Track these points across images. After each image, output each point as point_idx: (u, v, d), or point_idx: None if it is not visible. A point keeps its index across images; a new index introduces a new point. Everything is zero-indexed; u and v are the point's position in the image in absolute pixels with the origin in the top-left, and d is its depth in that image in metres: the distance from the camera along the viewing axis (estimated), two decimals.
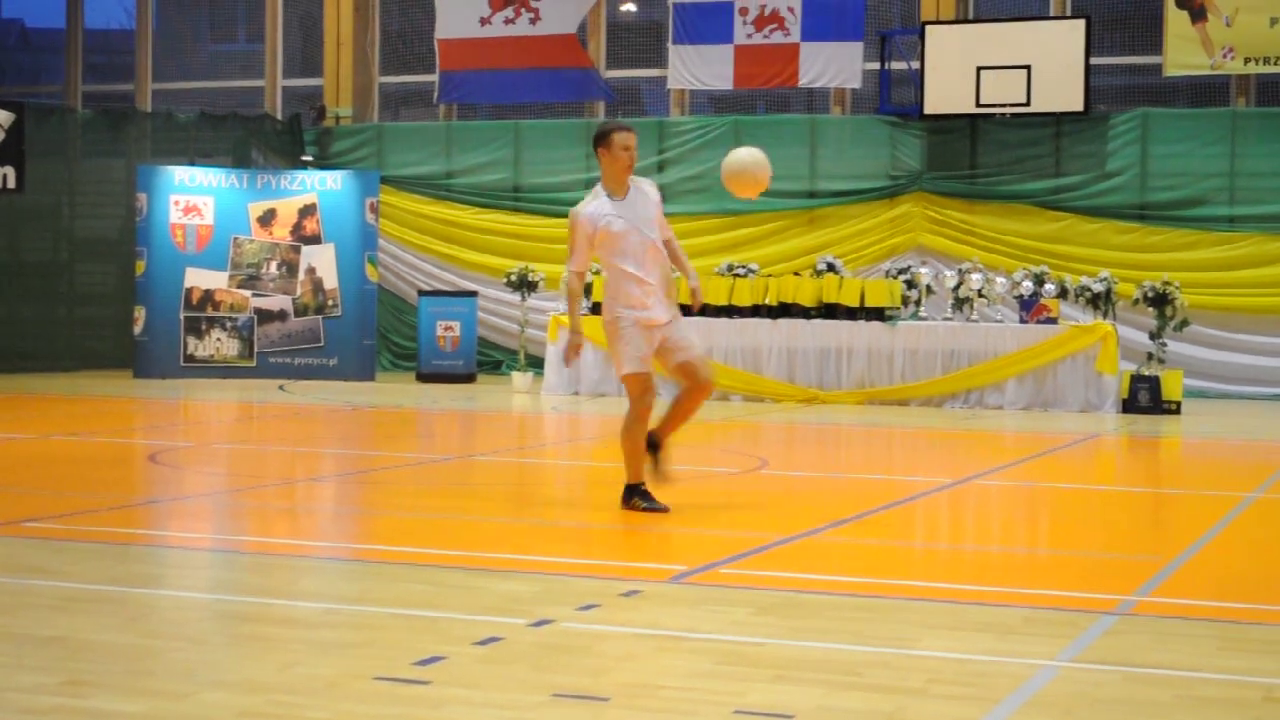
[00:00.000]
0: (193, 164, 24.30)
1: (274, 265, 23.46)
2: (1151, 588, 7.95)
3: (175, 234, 23.22)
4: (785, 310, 20.65)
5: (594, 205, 10.09)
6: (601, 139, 10.18)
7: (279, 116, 27.13)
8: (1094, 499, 12.14)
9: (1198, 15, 22.79)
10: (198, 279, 23.27)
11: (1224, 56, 22.69)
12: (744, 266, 21.85)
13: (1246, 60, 22.62)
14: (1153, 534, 10.45)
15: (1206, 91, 23.65)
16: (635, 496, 10.14)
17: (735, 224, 24.41)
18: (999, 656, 6.30)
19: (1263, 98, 23.29)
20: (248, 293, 23.39)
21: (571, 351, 10.27)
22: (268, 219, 23.49)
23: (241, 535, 9.62)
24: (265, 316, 23.43)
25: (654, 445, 10.20)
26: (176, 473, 12.57)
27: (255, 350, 23.39)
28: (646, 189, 10.21)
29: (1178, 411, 19.46)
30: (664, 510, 9.98)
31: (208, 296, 23.28)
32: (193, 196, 23.31)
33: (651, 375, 10.19)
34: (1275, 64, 22.53)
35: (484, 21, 26.01)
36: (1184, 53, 22.92)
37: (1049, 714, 5.46)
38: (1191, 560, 8.82)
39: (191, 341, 23.25)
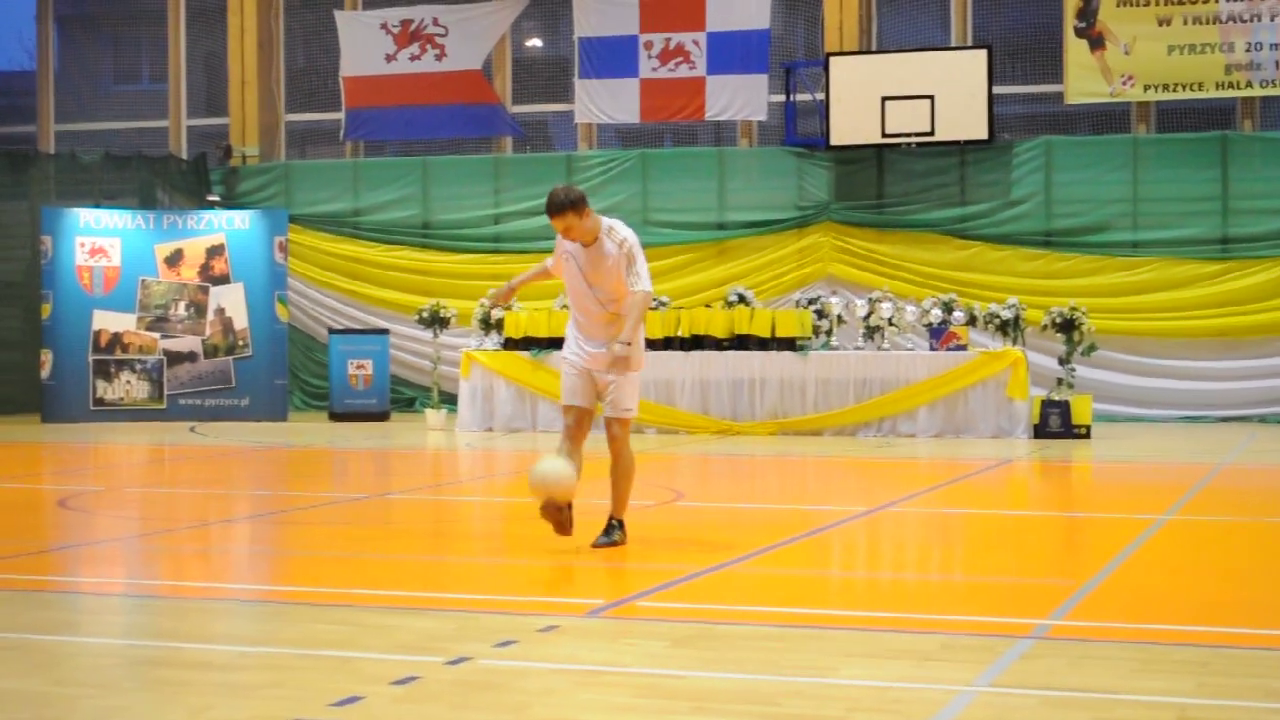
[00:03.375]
0: (98, 206, 24.06)
1: (182, 306, 23.27)
2: (1066, 611, 8.00)
3: (82, 276, 23.00)
4: (698, 342, 20.68)
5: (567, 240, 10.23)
6: None
7: (184, 156, 26.95)
8: (1008, 524, 12.23)
9: (1096, 44, 23.07)
10: (105, 321, 23.05)
11: (1123, 84, 22.98)
12: (656, 299, 21.85)
13: (1146, 88, 22.92)
14: (1067, 558, 10.52)
15: (1108, 119, 23.92)
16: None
17: (646, 257, 24.38)
18: (917, 683, 6.32)
19: (1162, 124, 23.58)
20: (156, 334, 23.19)
21: (502, 295, 11.01)
22: (175, 260, 23.31)
23: (154, 579, 9.51)
24: (175, 358, 23.23)
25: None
26: (87, 517, 12.43)
27: (165, 392, 23.18)
28: (609, 249, 10.16)
29: (1088, 435, 19.63)
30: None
31: (116, 339, 23.06)
32: (99, 238, 23.11)
33: (574, 409, 10.19)
34: (1174, 91, 22.84)
35: (389, 58, 25.96)
36: (1084, 81, 23.20)
37: None
38: (1105, 583, 8.89)
39: (100, 384, 23.02)
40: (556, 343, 20.77)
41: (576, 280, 10.22)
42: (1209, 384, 22.38)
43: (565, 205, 10.02)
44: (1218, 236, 22.62)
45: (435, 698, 6.09)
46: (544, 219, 25.64)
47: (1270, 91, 22.69)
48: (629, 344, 10.08)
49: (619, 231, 10.25)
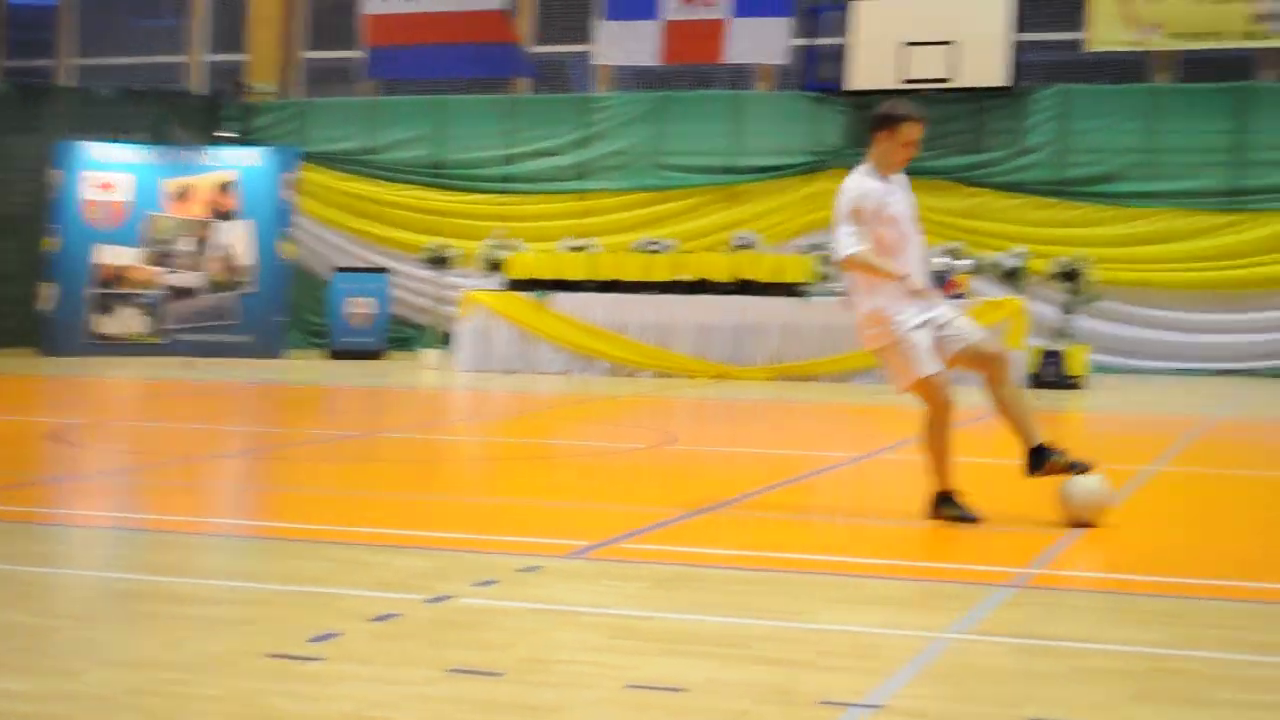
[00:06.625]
0: (113, 140, 23.99)
1: (187, 242, 23.24)
2: (1046, 561, 7.99)
3: (89, 210, 22.96)
4: (702, 286, 20.64)
5: (870, 184, 8.95)
6: (886, 122, 8.91)
7: (204, 92, 26.88)
8: (994, 473, 12.19)
9: None
10: (109, 255, 23.01)
11: (1149, 32, 22.73)
12: (657, 242, 21.79)
13: (1171, 36, 22.65)
14: (1050, 507, 10.50)
15: (1132, 68, 23.74)
16: (945, 505, 9.44)
17: (656, 199, 24.39)
18: (891, 629, 6.31)
19: (1190, 74, 23.40)
20: (160, 269, 23.16)
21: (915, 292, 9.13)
22: (184, 195, 23.27)
23: (139, 513, 9.52)
24: (176, 293, 23.20)
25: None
26: (77, 450, 12.44)
27: (165, 327, 23.16)
28: (904, 178, 9.15)
29: (1080, 386, 19.53)
30: (975, 520, 9.28)
31: (118, 273, 23.03)
32: (109, 173, 23.07)
33: (943, 373, 9.56)
34: (1200, 39, 22.59)
35: None
36: (1108, 28, 22.93)
37: (940, 685, 5.47)
38: (1087, 534, 8.87)
39: (100, 319, 22.99)
40: (559, 285, 20.87)
41: (903, 223, 9.04)
42: (1207, 336, 22.31)
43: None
44: (1230, 188, 22.50)
45: (414, 635, 6.09)
46: (556, 161, 25.57)
47: None
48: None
49: None
